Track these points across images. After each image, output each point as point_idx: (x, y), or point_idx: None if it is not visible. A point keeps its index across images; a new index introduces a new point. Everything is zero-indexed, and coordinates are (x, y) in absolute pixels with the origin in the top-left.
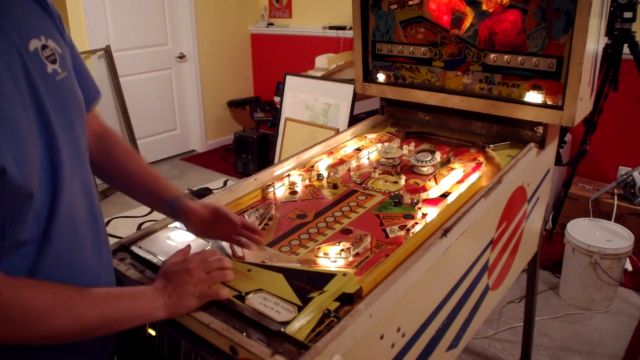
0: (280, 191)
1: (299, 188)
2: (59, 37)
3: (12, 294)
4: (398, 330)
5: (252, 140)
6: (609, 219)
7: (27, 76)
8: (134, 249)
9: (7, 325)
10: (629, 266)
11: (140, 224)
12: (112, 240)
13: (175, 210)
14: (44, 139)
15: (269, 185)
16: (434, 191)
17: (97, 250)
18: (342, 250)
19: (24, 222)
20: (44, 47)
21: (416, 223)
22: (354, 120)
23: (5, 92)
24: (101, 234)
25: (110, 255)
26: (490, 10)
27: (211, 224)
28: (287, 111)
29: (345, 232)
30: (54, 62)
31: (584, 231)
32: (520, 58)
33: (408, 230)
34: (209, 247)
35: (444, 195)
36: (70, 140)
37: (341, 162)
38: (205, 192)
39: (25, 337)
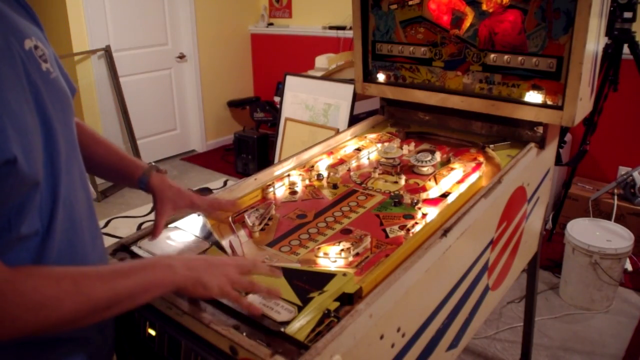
0: (280, 191)
1: (299, 188)
2: (43, 38)
3: (13, 289)
4: (398, 330)
5: (252, 140)
6: (609, 219)
7: (26, 73)
8: (134, 249)
9: (12, 321)
10: (629, 266)
11: (140, 224)
12: (112, 240)
13: (145, 187)
14: (43, 132)
15: (269, 185)
16: (434, 191)
17: (94, 242)
18: (342, 250)
19: (28, 213)
20: (36, 47)
21: (416, 223)
22: (354, 120)
23: (10, 87)
24: (97, 227)
25: (104, 245)
26: (490, 10)
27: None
28: (287, 111)
29: (345, 232)
30: (45, 61)
31: (584, 231)
32: (520, 58)
33: (408, 230)
34: (209, 248)
35: (444, 195)
36: (66, 134)
37: (341, 162)
38: (205, 192)
39: (33, 329)
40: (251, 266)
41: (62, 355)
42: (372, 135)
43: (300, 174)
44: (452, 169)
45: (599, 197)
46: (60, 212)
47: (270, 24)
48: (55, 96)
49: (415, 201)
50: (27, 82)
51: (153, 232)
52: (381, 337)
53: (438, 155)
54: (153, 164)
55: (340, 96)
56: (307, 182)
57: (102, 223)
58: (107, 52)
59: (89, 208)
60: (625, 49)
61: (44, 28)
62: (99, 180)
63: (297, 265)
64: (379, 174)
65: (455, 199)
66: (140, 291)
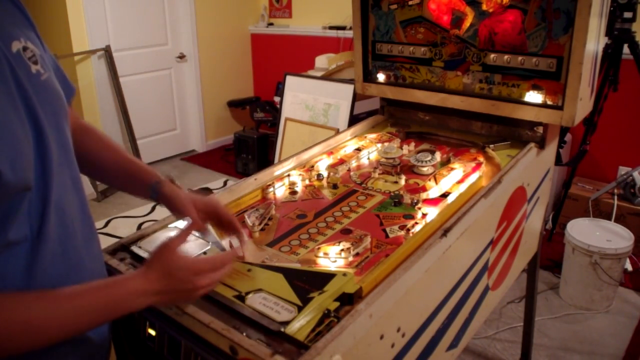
0: (280, 191)
1: (299, 188)
2: (36, 38)
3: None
4: (398, 330)
5: (252, 140)
6: (609, 219)
7: (14, 77)
8: (134, 249)
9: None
10: (629, 266)
11: (140, 224)
12: (112, 240)
13: (157, 196)
14: (34, 138)
15: (269, 185)
16: (434, 191)
17: (89, 246)
18: (342, 250)
19: (16, 219)
20: (25, 48)
21: (416, 223)
22: (354, 120)
23: None
24: (92, 230)
25: (101, 250)
26: (490, 10)
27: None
28: (287, 111)
29: (345, 232)
30: (35, 62)
31: (584, 231)
32: (520, 58)
33: (408, 230)
34: (209, 247)
35: (444, 195)
36: (58, 137)
37: (341, 162)
38: (205, 192)
39: (18, 349)
40: (209, 268)
41: (57, 358)
42: (372, 135)
43: (300, 174)
44: (452, 169)
45: (599, 197)
46: (52, 217)
47: (270, 24)
48: (46, 99)
49: (415, 201)
50: (16, 86)
51: (195, 227)
52: (381, 337)
53: (438, 155)
54: (168, 175)
55: (340, 96)
56: (307, 182)
57: (102, 223)
58: (107, 52)
59: (83, 211)
60: (625, 49)
61: (36, 26)
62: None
63: (297, 265)
64: (379, 174)
65: (455, 199)
66: (102, 311)
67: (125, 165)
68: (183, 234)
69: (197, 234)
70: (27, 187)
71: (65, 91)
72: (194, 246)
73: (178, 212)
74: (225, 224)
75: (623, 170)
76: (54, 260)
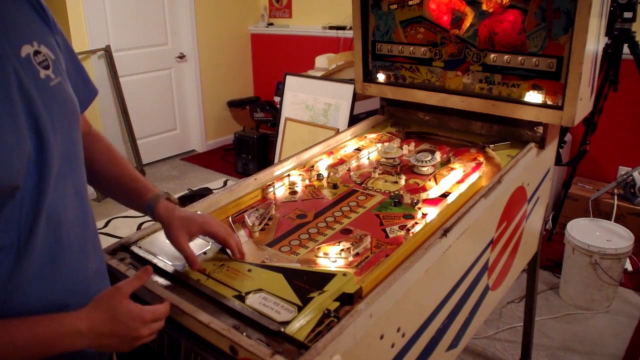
0: (280, 191)
1: (299, 188)
2: (53, 42)
3: None
4: (398, 330)
5: (252, 140)
6: (609, 219)
7: (19, 83)
8: (134, 249)
9: None
10: (629, 266)
11: (140, 224)
12: (112, 240)
13: (152, 215)
14: (34, 144)
15: (269, 185)
16: (434, 191)
17: (86, 261)
18: (342, 250)
19: None
20: (37, 52)
21: (416, 223)
22: (354, 120)
23: None
24: (93, 242)
25: (104, 262)
26: (490, 10)
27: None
28: (287, 111)
29: (345, 232)
30: (46, 67)
31: (584, 231)
32: (520, 58)
33: (408, 230)
34: (209, 247)
35: (444, 195)
36: (65, 145)
37: (341, 162)
38: (205, 192)
39: None
40: (152, 317)
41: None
42: (372, 135)
43: (300, 174)
44: (452, 169)
45: (599, 197)
46: (42, 228)
47: (270, 24)
48: (52, 105)
49: (415, 201)
50: (19, 91)
51: (190, 264)
52: (381, 337)
53: (438, 155)
54: (164, 191)
55: (340, 96)
56: (307, 182)
57: (102, 223)
58: (107, 52)
59: (85, 227)
60: (625, 49)
61: (59, 29)
62: None
63: (297, 265)
64: (379, 174)
65: (455, 199)
66: (35, 346)
67: (128, 180)
68: (136, 280)
69: None
70: (9, 194)
71: (86, 93)
72: (193, 246)
73: (172, 242)
74: (221, 243)
75: (623, 170)
76: (40, 272)
